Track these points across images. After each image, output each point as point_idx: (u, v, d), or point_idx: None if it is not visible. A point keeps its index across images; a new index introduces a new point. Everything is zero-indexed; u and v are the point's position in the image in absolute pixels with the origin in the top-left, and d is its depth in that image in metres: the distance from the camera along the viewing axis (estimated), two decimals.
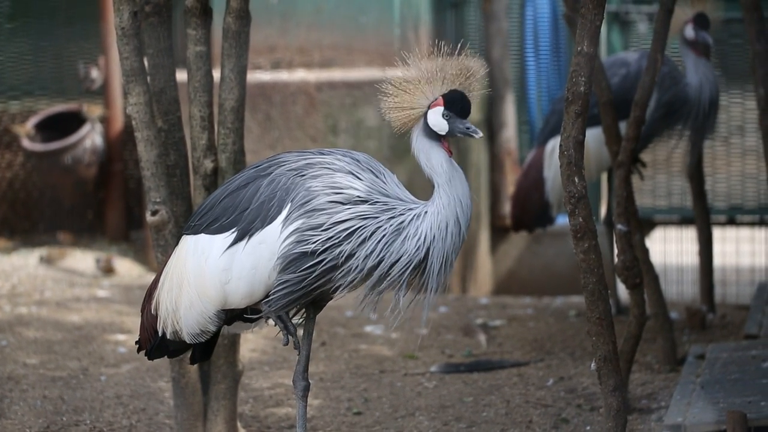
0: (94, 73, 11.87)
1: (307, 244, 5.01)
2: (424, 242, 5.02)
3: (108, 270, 11.12)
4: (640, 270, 6.87)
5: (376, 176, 5.09)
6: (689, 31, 8.60)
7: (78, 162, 11.72)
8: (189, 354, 5.67)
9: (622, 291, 8.92)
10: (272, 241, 5.04)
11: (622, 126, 7.43)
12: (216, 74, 6.32)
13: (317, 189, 5.05)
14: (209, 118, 6.29)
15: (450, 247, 5.04)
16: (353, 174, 5.07)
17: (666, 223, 11.44)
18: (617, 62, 8.88)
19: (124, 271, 11.19)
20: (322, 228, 5.01)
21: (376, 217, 5.03)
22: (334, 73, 10.78)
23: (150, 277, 10.53)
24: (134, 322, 9.08)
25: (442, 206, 5.03)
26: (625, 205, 6.87)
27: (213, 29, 6.40)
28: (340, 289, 5.09)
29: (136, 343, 5.60)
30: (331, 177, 5.06)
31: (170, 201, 6.21)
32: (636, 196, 7.29)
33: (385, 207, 5.04)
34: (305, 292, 5.08)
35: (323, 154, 5.16)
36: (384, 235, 5.01)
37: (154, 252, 6.21)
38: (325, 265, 5.02)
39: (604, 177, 10.24)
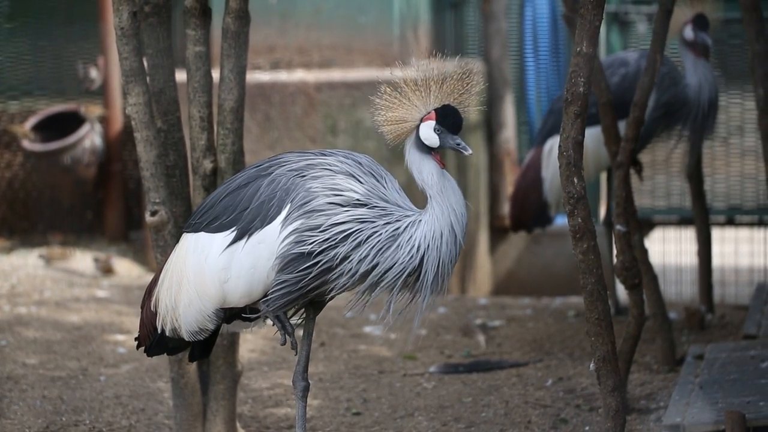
0: (94, 73, 11.87)
1: (305, 244, 5.02)
2: (417, 251, 5.02)
3: (107, 270, 11.12)
4: (639, 270, 6.87)
5: (377, 180, 5.09)
6: (688, 32, 8.60)
7: (77, 162, 11.72)
8: (188, 352, 5.68)
9: (621, 291, 8.93)
10: (271, 241, 5.05)
11: (621, 126, 7.44)
12: (215, 74, 6.32)
13: (317, 190, 5.05)
14: (208, 119, 6.29)
15: (446, 256, 5.04)
16: (354, 176, 5.07)
17: (665, 223, 11.44)
18: (616, 62, 8.88)
19: (123, 272, 11.19)
20: (320, 229, 5.02)
21: (373, 222, 5.03)
22: (334, 73, 10.78)
23: (149, 278, 10.53)
24: (134, 322, 9.08)
25: (435, 217, 5.03)
26: (624, 206, 6.88)
27: (212, 29, 6.40)
28: (334, 290, 5.09)
29: (136, 339, 5.61)
30: (332, 179, 5.07)
31: (169, 201, 6.21)
32: (635, 196, 7.29)
33: (383, 212, 5.04)
34: (302, 292, 5.09)
35: (324, 155, 5.16)
36: (379, 240, 5.02)
37: (154, 252, 6.21)
38: (320, 266, 5.03)
39: (604, 178, 10.24)
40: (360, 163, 5.12)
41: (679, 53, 8.71)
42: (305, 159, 5.14)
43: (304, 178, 5.08)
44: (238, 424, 6.54)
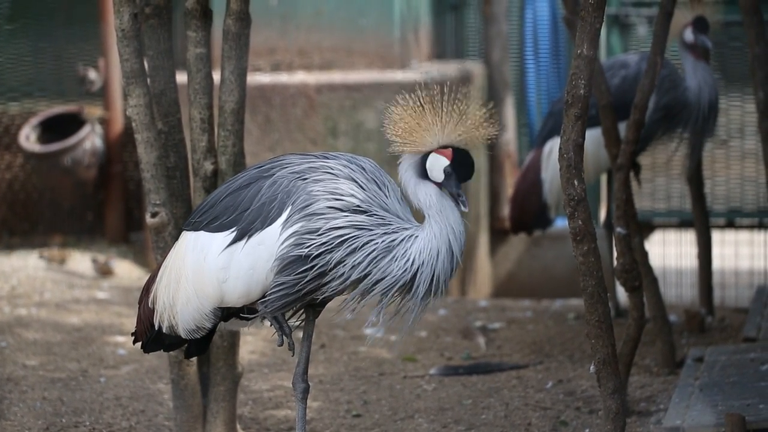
0: (94, 75, 11.87)
1: (303, 247, 5.01)
2: (411, 265, 5.00)
3: (105, 272, 11.12)
4: (639, 273, 6.87)
5: (379, 188, 5.07)
6: (688, 35, 8.60)
7: (77, 164, 11.72)
8: (185, 349, 5.69)
9: (621, 294, 8.93)
10: (271, 242, 5.05)
11: (621, 128, 7.44)
12: (216, 76, 6.32)
13: (318, 193, 5.04)
14: (209, 120, 6.30)
15: (441, 272, 5.02)
16: (356, 182, 5.06)
17: (665, 226, 11.43)
18: (617, 64, 8.89)
19: (123, 273, 11.19)
20: (318, 232, 5.01)
21: (371, 230, 5.01)
22: (334, 75, 10.78)
23: None
24: (133, 323, 9.06)
25: (433, 234, 4.99)
26: (624, 208, 6.88)
27: (213, 31, 6.41)
28: (326, 293, 5.08)
29: (132, 334, 5.62)
30: (334, 183, 5.05)
31: (170, 203, 6.21)
32: (635, 199, 7.29)
33: (381, 221, 5.03)
34: (300, 295, 5.09)
35: (327, 158, 5.14)
36: (374, 249, 5.00)
37: (154, 254, 6.21)
38: (316, 270, 5.02)
39: (604, 180, 10.24)
40: (363, 169, 5.10)
41: (680, 56, 8.71)
42: (307, 162, 5.14)
43: (306, 181, 5.08)
44: (238, 426, 6.54)
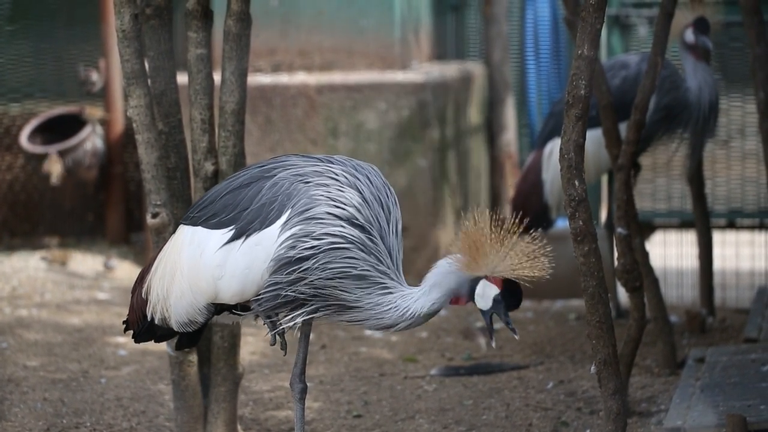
0: (95, 76, 11.87)
1: (296, 249, 5.00)
2: (362, 304, 5.02)
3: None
4: (640, 273, 6.87)
5: (382, 208, 5.06)
6: (689, 36, 8.60)
7: (78, 164, 11.72)
8: (176, 340, 5.70)
9: (622, 294, 8.93)
10: (269, 243, 5.04)
11: (622, 128, 7.44)
12: (216, 77, 6.32)
13: (319, 198, 5.03)
14: (210, 121, 6.30)
15: (371, 327, 5.08)
16: (360, 193, 5.04)
17: (666, 226, 11.43)
18: (617, 64, 8.89)
19: (124, 274, 11.18)
20: (312, 235, 5.00)
21: (361, 250, 5.00)
22: (335, 75, 10.78)
23: None
24: None
25: (410, 309, 5.02)
26: (625, 209, 6.88)
27: (214, 32, 6.41)
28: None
29: (124, 323, 5.61)
30: (337, 189, 5.04)
31: (171, 203, 6.21)
32: (636, 199, 7.29)
33: (373, 248, 5.02)
34: (292, 297, 5.08)
35: (332, 162, 5.13)
36: (354, 266, 5.00)
37: (154, 254, 6.21)
38: (300, 272, 5.01)
39: (605, 181, 10.24)
40: (369, 180, 5.08)
41: (680, 56, 8.71)
42: (311, 165, 5.11)
43: (308, 184, 5.06)
44: (239, 427, 6.54)
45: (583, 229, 5.26)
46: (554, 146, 9.03)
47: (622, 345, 6.77)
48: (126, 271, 11.27)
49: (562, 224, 10.86)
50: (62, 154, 11.68)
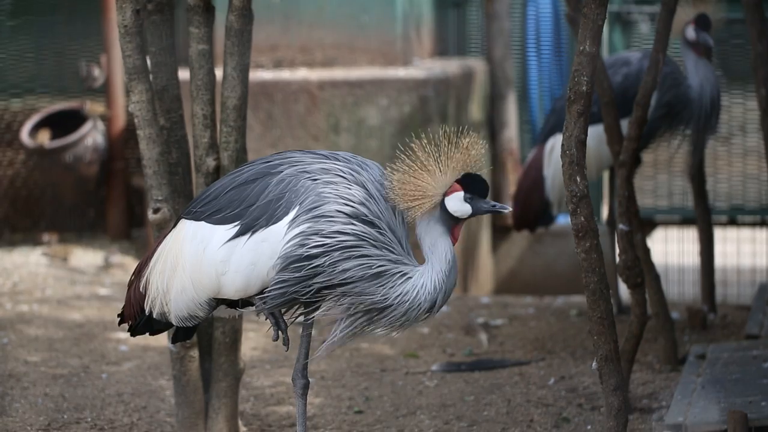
0: (96, 71, 11.87)
1: (306, 247, 4.99)
2: (391, 300, 5.02)
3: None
4: (641, 270, 6.87)
5: (387, 203, 5.05)
6: (690, 32, 8.60)
7: (79, 160, 11.73)
8: (174, 334, 5.69)
9: (624, 291, 8.92)
10: (275, 240, 5.03)
11: (623, 124, 7.44)
12: (218, 72, 6.32)
13: (328, 196, 5.02)
14: (211, 117, 6.29)
15: (413, 319, 5.07)
16: (367, 190, 5.04)
17: (667, 223, 11.44)
18: (619, 61, 8.88)
19: (125, 269, 11.19)
20: (322, 233, 4.99)
21: (374, 246, 5.00)
22: (336, 71, 10.78)
23: None
24: None
25: (425, 287, 5.02)
26: (626, 205, 6.88)
27: (215, 27, 6.41)
28: (320, 297, 5.09)
29: (119, 316, 5.58)
30: (345, 187, 5.03)
31: (172, 199, 6.21)
32: (637, 196, 7.29)
33: (385, 243, 5.02)
34: (298, 295, 5.07)
35: (338, 159, 5.11)
36: (368, 266, 5.00)
37: (152, 248, 6.21)
38: (310, 269, 5.01)
39: (606, 177, 10.24)
40: (374, 178, 5.07)
41: (682, 53, 8.71)
42: (318, 162, 5.10)
43: (316, 182, 5.04)
44: (239, 422, 6.55)
45: (584, 225, 5.26)
46: (556, 142, 9.03)
47: (624, 341, 6.77)
48: (127, 266, 11.27)
49: (563, 220, 10.89)
50: (63, 150, 11.69)
